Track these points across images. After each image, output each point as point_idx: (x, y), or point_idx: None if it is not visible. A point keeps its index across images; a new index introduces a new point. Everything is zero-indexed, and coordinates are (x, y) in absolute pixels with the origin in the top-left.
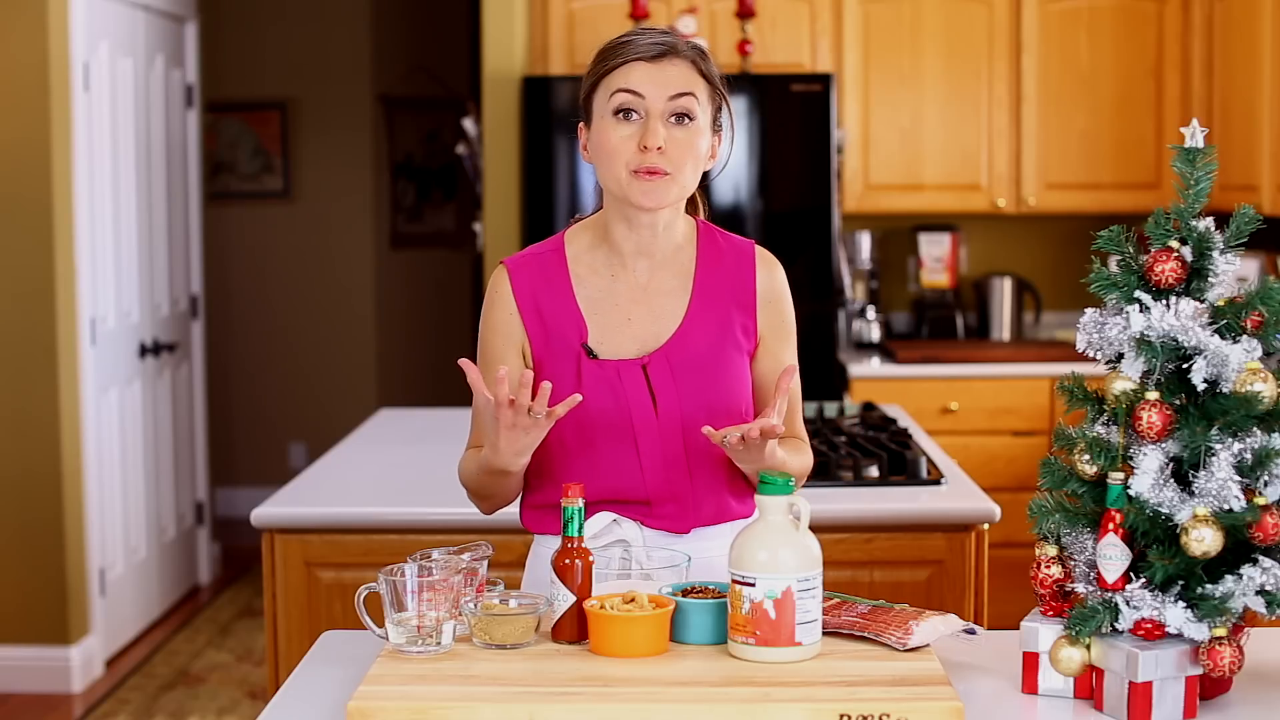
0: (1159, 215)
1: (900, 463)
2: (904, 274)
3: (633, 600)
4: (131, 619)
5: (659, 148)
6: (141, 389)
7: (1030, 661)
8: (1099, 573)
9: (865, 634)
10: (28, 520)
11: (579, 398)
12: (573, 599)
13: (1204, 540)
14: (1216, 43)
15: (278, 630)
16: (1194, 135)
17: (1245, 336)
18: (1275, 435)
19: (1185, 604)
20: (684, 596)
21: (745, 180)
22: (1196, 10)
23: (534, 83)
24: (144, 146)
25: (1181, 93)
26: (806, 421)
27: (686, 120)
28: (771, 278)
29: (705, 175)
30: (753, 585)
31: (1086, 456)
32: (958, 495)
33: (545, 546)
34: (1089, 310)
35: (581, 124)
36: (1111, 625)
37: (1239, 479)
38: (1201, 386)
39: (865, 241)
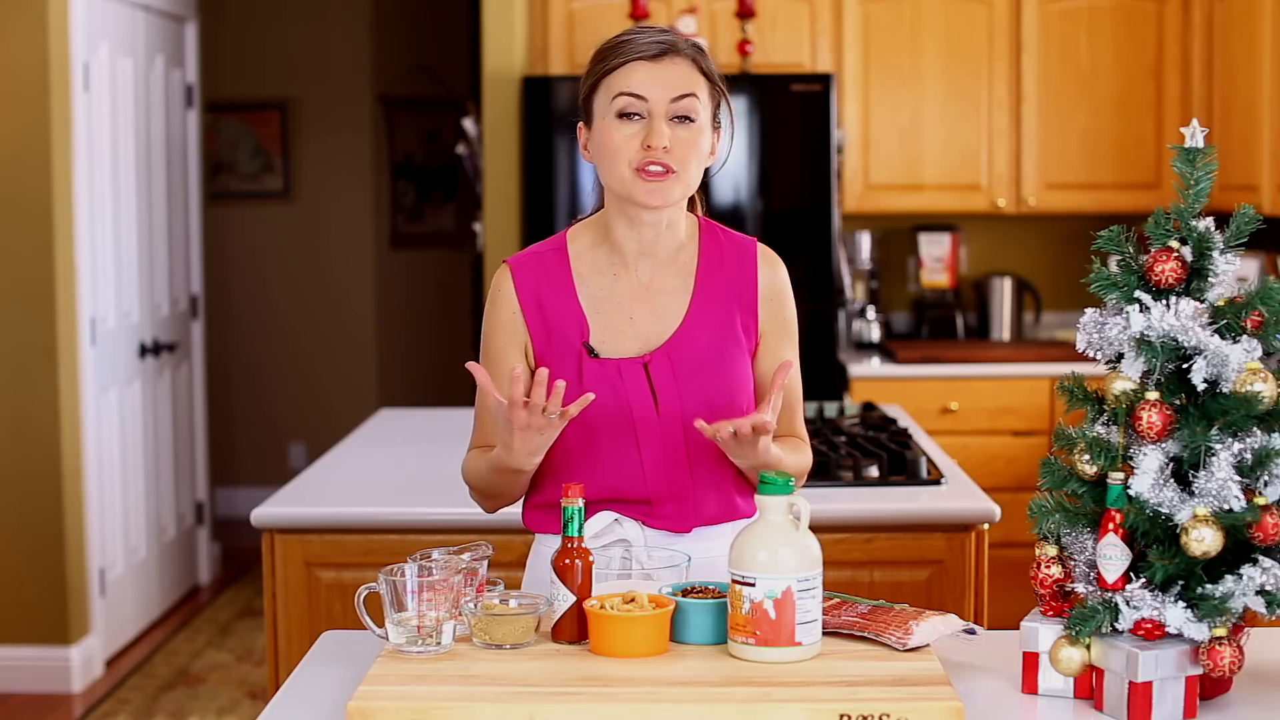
0: (1159, 215)
1: (900, 463)
2: (904, 274)
3: (633, 600)
4: (131, 619)
5: (664, 147)
6: (141, 389)
7: (1030, 661)
8: (1099, 573)
9: (865, 634)
10: (28, 520)
11: (592, 396)
12: (573, 599)
13: (1204, 540)
14: (1216, 43)
15: (278, 630)
16: (1194, 135)
17: (1245, 336)
18: (1275, 435)
19: (1185, 604)
20: (684, 596)
21: (745, 180)
22: (1196, 10)
23: (534, 83)
24: (144, 147)
25: (1181, 93)
26: (806, 421)
27: (689, 120)
28: (773, 275)
29: (705, 173)
30: (753, 585)
31: (1086, 456)
32: (958, 495)
33: (546, 546)
34: (1089, 310)
35: (581, 124)
36: (1111, 625)
37: (1239, 479)
38: (1201, 386)
39: (865, 241)
